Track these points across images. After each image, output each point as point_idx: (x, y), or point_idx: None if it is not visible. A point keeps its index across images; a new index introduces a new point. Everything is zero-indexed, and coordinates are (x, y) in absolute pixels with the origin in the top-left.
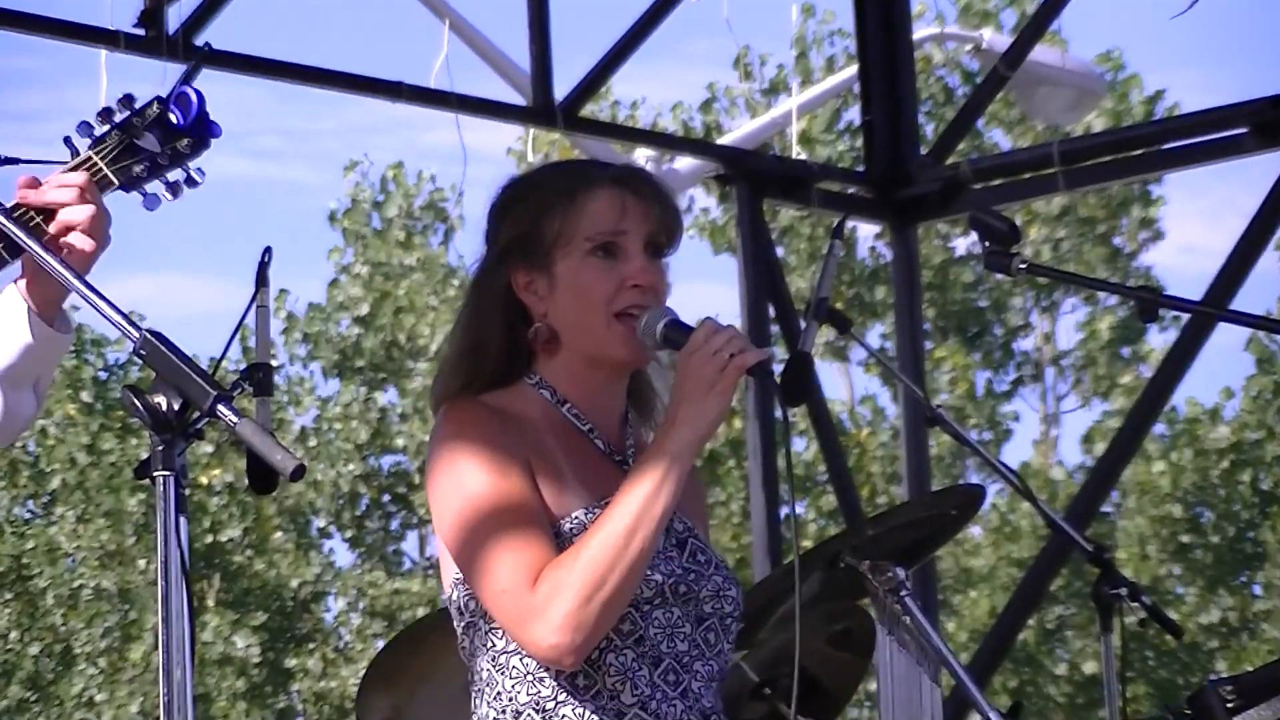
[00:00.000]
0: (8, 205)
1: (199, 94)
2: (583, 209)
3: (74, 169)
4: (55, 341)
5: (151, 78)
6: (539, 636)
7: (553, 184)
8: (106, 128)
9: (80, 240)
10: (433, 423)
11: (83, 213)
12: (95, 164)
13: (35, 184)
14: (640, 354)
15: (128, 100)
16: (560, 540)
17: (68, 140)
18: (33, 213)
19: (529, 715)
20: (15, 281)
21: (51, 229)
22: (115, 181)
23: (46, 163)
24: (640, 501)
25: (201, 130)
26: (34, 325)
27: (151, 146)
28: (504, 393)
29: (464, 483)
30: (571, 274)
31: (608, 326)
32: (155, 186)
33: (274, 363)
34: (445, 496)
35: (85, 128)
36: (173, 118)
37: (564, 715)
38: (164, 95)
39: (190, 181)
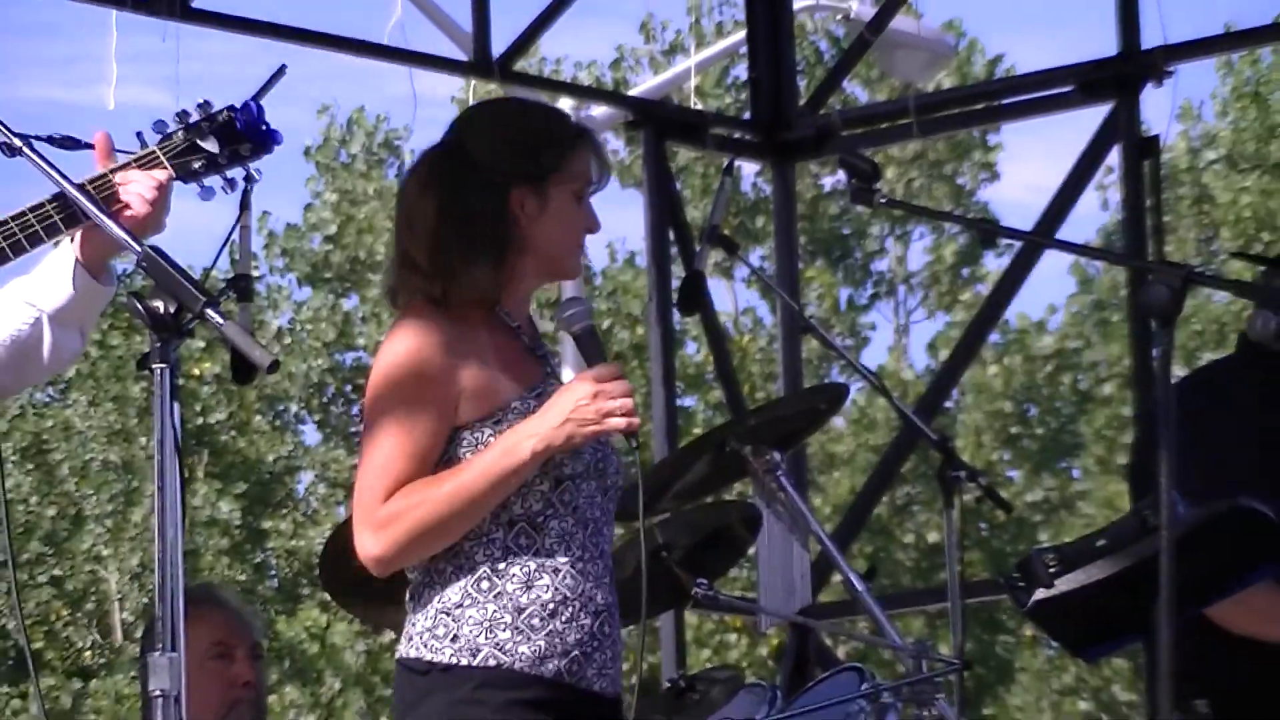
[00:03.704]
0: (90, 176)
1: (259, 107)
2: (582, 156)
3: (141, 160)
4: (98, 293)
5: (153, 29)
6: (368, 543)
7: (565, 128)
8: (176, 128)
9: (134, 219)
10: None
11: (145, 208)
12: (157, 156)
13: (109, 145)
14: (577, 270)
15: (204, 106)
16: (500, 423)
17: (139, 134)
18: (106, 182)
19: (484, 571)
20: (70, 238)
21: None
22: (172, 174)
23: (122, 152)
24: (487, 474)
25: (262, 137)
26: (78, 277)
27: (212, 148)
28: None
29: (386, 394)
30: (561, 205)
31: (572, 253)
32: (213, 180)
33: (255, 273)
34: (374, 394)
35: (160, 125)
36: (237, 124)
37: (512, 573)
38: (235, 106)
39: (249, 179)
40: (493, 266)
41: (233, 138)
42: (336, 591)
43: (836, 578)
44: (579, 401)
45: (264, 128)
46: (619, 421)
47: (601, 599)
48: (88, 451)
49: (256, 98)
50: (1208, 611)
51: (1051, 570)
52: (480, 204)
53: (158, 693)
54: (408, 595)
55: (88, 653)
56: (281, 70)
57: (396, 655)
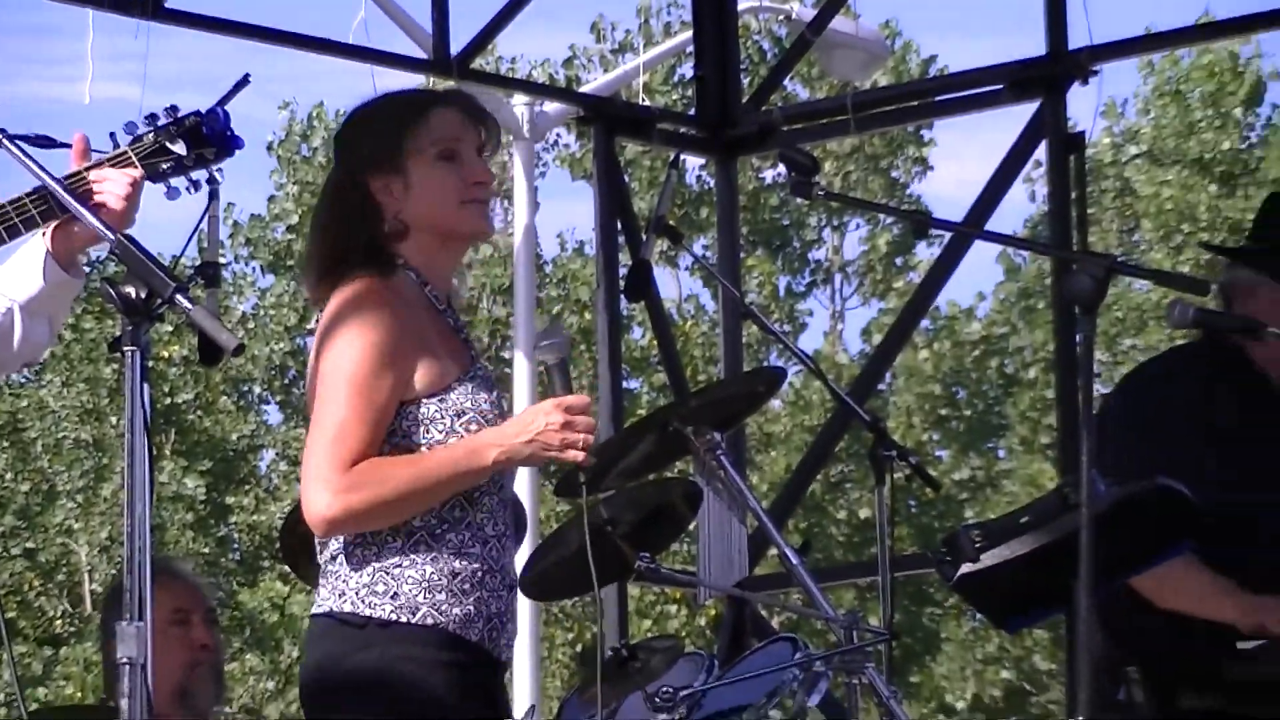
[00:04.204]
0: (68, 173)
1: (226, 114)
2: (429, 124)
3: (114, 160)
4: (68, 285)
5: (126, 28)
6: (325, 503)
7: (400, 106)
8: (147, 130)
9: (109, 213)
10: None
11: (119, 204)
12: (128, 156)
13: (86, 145)
14: (483, 227)
15: (172, 110)
16: (445, 401)
17: (112, 135)
18: (81, 179)
19: (422, 535)
20: (43, 233)
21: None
22: (144, 173)
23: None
24: (452, 469)
25: (226, 143)
26: (49, 269)
27: (179, 151)
28: (393, 280)
29: (346, 358)
30: (423, 176)
31: (458, 211)
32: (179, 181)
33: (221, 261)
34: (332, 358)
35: (130, 127)
36: (204, 129)
37: (448, 539)
38: (201, 111)
39: (211, 180)
40: (364, 256)
41: (199, 141)
42: (296, 564)
43: (772, 552)
44: (549, 425)
45: (228, 134)
46: (577, 455)
47: (513, 577)
48: (60, 430)
49: (222, 104)
50: (1133, 583)
51: (977, 545)
52: (334, 208)
53: (125, 660)
54: (329, 555)
55: (58, 621)
56: (246, 79)
57: (319, 610)
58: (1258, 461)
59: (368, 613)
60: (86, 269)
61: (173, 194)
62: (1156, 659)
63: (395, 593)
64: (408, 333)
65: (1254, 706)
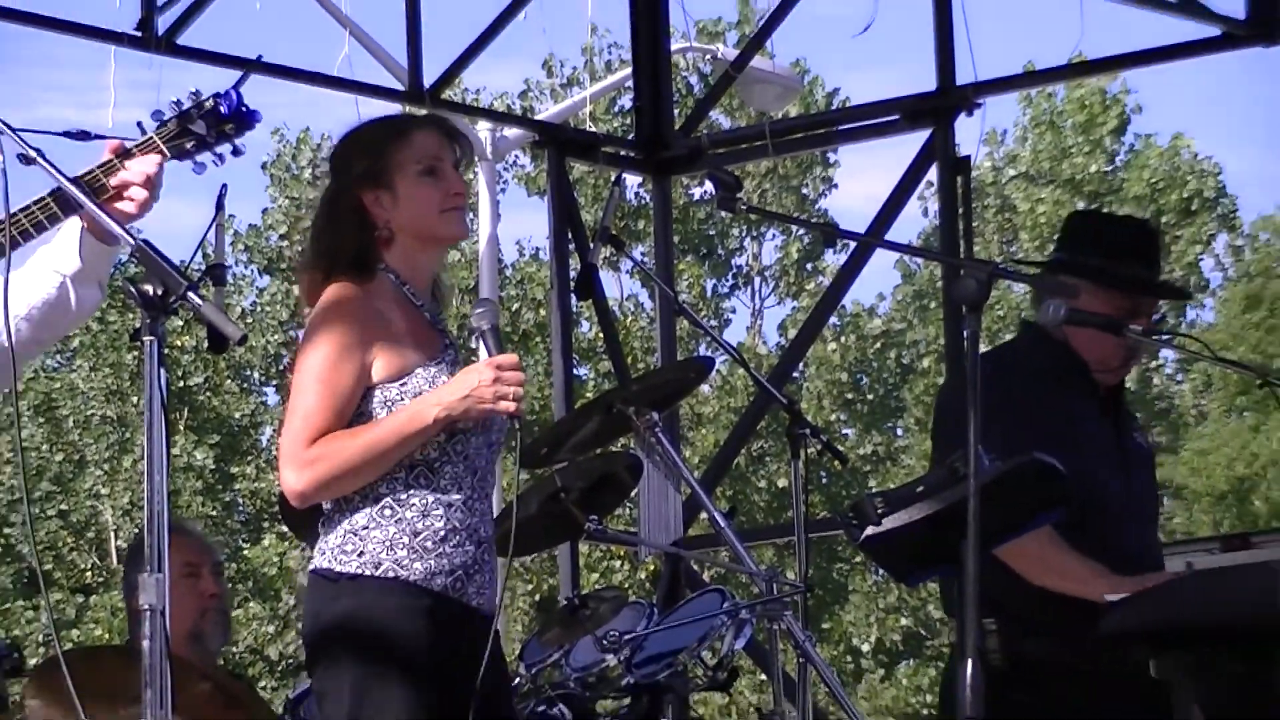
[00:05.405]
0: (101, 160)
1: (239, 94)
2: (412, 143)
3: (142, 145)
4: (106, 252)
5: (144, 63)
6: (291, 479)
7: (388, 129)
8: (171, 116)
9: (128, 204)
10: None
11: (139, 192)
12: (154, 142)
13: (122, 148)
14: (461, 232)
15: (194, 95)
16: (405, 384)
17: (139, 124)
18: (99, 173)
19: (387, 501)
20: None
21: (112, 185)
22: (168, 154)
23: (110, 138)
24: (397, 432)
25: (244, 117)
26: (85, 244)
27: (200, 130)
28: (371, 284)
29: (313, 356)
30: (409, 190)
31: (439, 219)
32: (205, 157)
33: (227, 263)
34: (303, 356)
35: (157, 114)
36: (222, 109)
37: (412, 503)
38: (219, 93)
39: (236, 152)
40: (328, 265)
41: (219, 120)
42: (293, 525)
43: (703, 515)
44: (481, 381)
45: (244, 109)
46: (509, 405)
47: (484, 532)
48: (89, 408)
49: (236, 86)
50: (995, 552)
51: (879, 511)
52: (331, 219)
53: (146, 607)
54: (320, 521)
55: (88, 573)
56: (255, 63)
57: (310, 567)
58: (1085, 441)
59: (339, 569)
60: (111, 270)
61: (199, 169)
62: (1010, 613)
63: (362, 551)
64: (370, 329)
65: (1089, 657)
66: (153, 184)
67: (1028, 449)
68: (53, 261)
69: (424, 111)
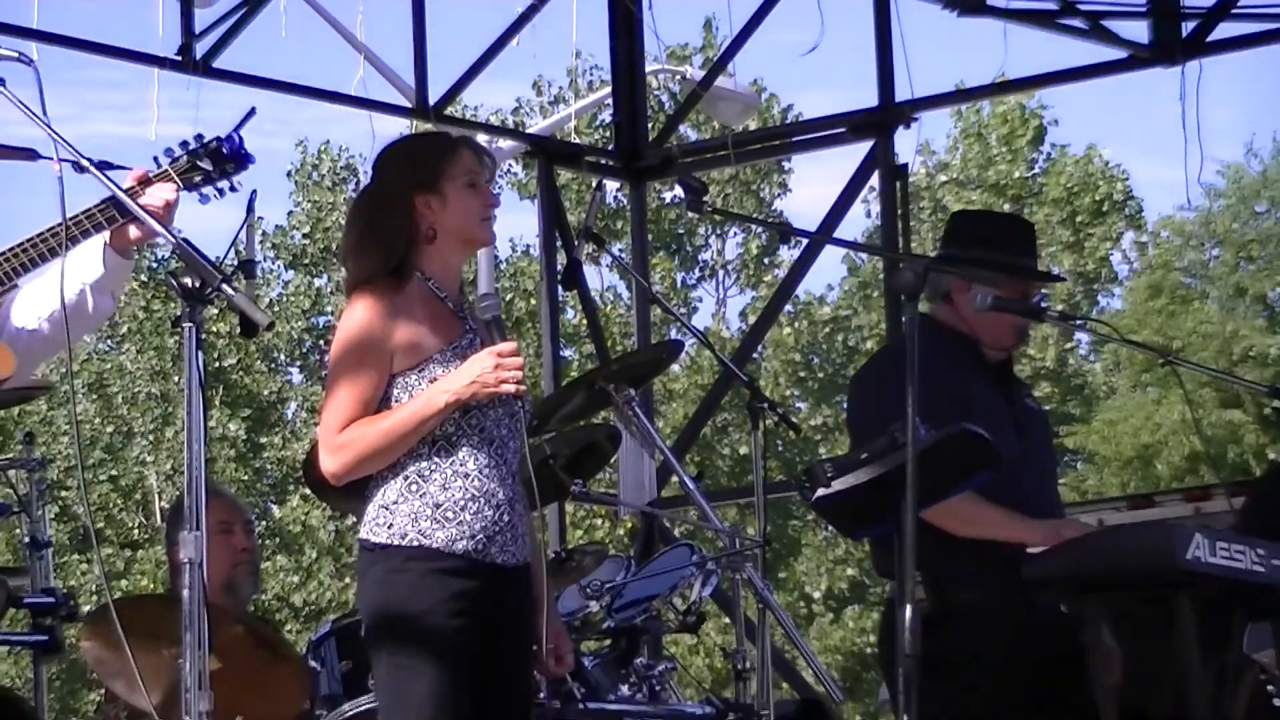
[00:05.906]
0: (125, 187)
1: (240, 137)
2: (461, 158)
3: (160, 175)
4: (123, 266)
5: (184, 84)
6: (327, 462)
7: (440, 143)
8: (181, 154)
9: (156, 214)
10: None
11: (164, 208)
12: (169, 174)
13: (145, 177)
14: (492, 238)
15: (199, 138)
16: (423, 371)
17: (155, 159)
18: (135, 192)
19: (413, 476)
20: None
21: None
22: (180, 185)
23: (126, 168)
24: (413, 417)
25: (241, 159)
26: (108, 257)
27: (207, 166)
28: (401, 289)
29: (340, 354)
30: (456, 197)
31: (479, 226)
32: (209, 190)
33: (256, 259)
34: (334, 354)
35: (169, 151)
36: (224, 150)
37: (433, 477)
38: (221, 136)
39: (233, 188)
40: (385, 257)
41: (220, 159)
42: (315, 488)
43: (674, 479)
44: (484, 368)
45: (242, 152)
46: (510, 387)
47: (503, 495)
48: (136, 386)
49: (236, 130)
50: (924, 514)
51: (829, 475)
52: (385, 215)
53: (186, 560)
54: (364, 493)
55: (135, 531)
56: (252, 111)
57: (357, 537)
58: (980, 409)
59: (373, 540)
60: (154, 264)
61: (204, 200)
62: (936, 568)
63: (390, 524)
64: (391, 327)
65: (1008, 602)
66: (170, 208)
67: (935, 420)
68: (77, 272)
69: (431, 126)
